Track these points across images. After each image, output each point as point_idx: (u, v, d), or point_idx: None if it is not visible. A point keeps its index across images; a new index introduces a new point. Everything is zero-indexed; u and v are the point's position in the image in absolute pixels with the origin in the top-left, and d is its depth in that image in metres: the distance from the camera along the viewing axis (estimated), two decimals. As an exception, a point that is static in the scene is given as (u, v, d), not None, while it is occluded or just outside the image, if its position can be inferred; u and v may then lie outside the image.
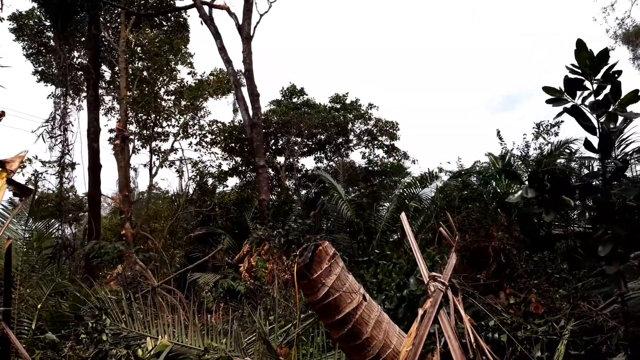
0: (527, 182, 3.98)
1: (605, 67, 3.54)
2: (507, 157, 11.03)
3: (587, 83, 3.65)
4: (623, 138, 7.86)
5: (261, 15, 18.71)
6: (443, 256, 7.81)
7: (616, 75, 3.53)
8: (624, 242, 3.59)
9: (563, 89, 3.67)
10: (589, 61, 3.51)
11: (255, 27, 17.76)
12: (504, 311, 6.66)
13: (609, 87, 3.58)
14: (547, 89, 3.69)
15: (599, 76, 3.57)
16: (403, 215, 4.78)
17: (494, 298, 7.64)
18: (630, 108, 3.60)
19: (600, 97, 3.61)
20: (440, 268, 6.14)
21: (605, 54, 3.52)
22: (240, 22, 17.32)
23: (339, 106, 23.17)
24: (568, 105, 3.67)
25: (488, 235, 8.98)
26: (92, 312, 6.50)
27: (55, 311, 6.63)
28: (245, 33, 17.16)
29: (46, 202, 15.20)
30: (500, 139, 11.87)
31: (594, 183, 3.84)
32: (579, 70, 3.59)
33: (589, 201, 3.82)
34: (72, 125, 14.83)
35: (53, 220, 13.41)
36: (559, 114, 3.77)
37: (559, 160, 10.77)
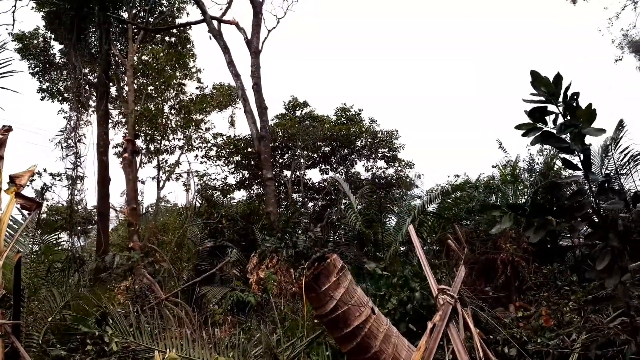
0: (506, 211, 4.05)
1: (563, 90, 3.66)
2: (513, 168, 11.01)
3: (552, 107, 3.75)
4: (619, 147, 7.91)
5: (269, 31, 19.00)
6: (452, 269, 7.77)
7: (574, 97, 3.65)
8: (622, 255, 3.59)
9: (530, 120, 3.77)
10: (546, 89, 3.64)
11: (263, 42, 17.99)
12: (514, 324, 6.60)
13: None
14: (519, 127, 3.80)
15: (560, 100, 3.68)
16: (411, 228, 4.79)
17: (503, 311, 7.58)
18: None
19: (568, 118, 3.70)
20: (449, 280, 6.11)
21: (559, 78, 3.67)
22: (249, 37, 17.53)
23: (344, 120, 23.26)
24: (538, 134, 3.77)
25: (496, 247, 8.95)
26: (99, 322, 6.52)
27: (64, 324, 6.64)
28: (254, 47, 17.35)
29: (56, 215, 15.32)
30: (504, 150, 11.85)
31: (582, 200, 3.85)
32: (542, 98, 3.70)
33: (580, 218, 3.84)
34: (85, 137, 15.02)
35: (63, 233, 13.53)
36: (533, 143, 3.85)
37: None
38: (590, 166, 3.85)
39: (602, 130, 3.68)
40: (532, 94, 3.77)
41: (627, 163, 8.06)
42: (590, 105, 3.69)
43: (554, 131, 3.75)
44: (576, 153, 3.76)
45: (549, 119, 3.79)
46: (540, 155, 11.97)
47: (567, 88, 3.67)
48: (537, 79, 3.71)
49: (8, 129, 5.69)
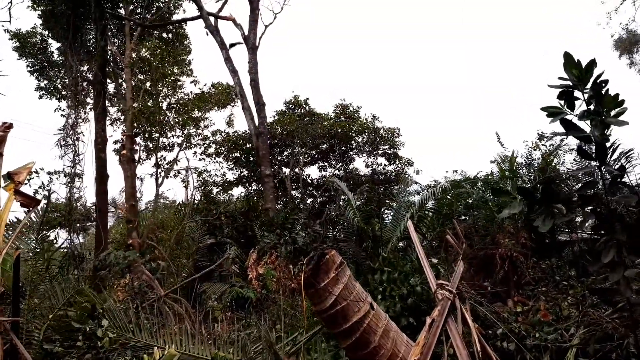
0: (517, 196, 3.99)
1: (593, 77, 3.59)
2: (511, 163, 11.02)
3: (578, 94, 3.69)
4: (610, 145, 7.87)
5: (266, 27, 18.98)
6: (450, 264, 7.78)
7: (603, 85, 3.58)
8: (627, 249, 3.59)
9: (560, 103, 3.71)
10: (577, 72, 3.57)
11: (260, 37, 17.96)
12: (512, 319, 6.62)
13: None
14: (545, 109, 3.74)
15: (588, 86, 3.62)
16: (410, 224, 4.79)
17: (501, 306, 7.60)
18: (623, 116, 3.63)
19: (592, 107, 3.65)
20: (448, 276, 6.12)
21: (592, 64, 3.58)
22: (246, 33, 17.49)
23: (343, 118, 23.22)
24: (560, 118, 3.70)
25: (495, 243, 8.96)
26: (92, 316, 6.53)
27: (65, 321, 6.64)
28: (251, 43, 17.31)
29: (54, 212, 15.29)
30: (502, 144, 11.90)
31: (592, 192, 3.83)
32: (570, 83, 3.64)
33: (588, 210, 3.81)
34: (83, 135, 14.99)
35: (62, 230, 13.50)
36: (552, 122, 3.78)
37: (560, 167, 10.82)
38: (605, 157, 3.81)
39: (625, 122, 3.60)
40: (562, 78, 3.70)
41: (617, 160, 8.05)
42: (617, 95, 3.61)
43: (576, 120, 3.69)
44: (593, 141, 3.69)
45: (577, 105, 3.72)
46: (537, 150, 11.99)
47: (599, 76, 3.59)
48: (569, 62, 3.62)
49: (8, 126, 5.67)
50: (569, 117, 3.72)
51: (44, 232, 7.52)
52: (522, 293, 8.17)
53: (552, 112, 3.72)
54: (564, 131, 3.76)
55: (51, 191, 12.97)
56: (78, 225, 16.38)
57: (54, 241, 7.73)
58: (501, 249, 8.62)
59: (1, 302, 5.38)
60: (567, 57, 3.62)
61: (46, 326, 6.24)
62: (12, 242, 5.89)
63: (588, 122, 3.63)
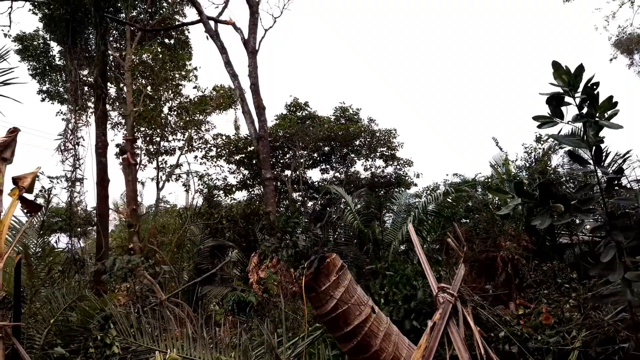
0: (515, 194, 3.98)
1: (584, 82, 3.60)
2: (506, 163, 11.04)
3: (569, 99, 3.70)
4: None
5: (266, 30, 19.06)
6: (452, 267, 7.78)
7: (594, 87, 3.58)
8: (627, 250, 3.58)
9: (549, 111, 3.72)
10: (566, 78, 3.57)
11: (260, 41, 18.02)
12: (514, 322, 6.61)
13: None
14: (536, 118, 3.75)
15: (579, 90, 3.62)
16: (410, 227, 4.79)
17: (503, 309, 7.59)
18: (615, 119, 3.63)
19: (584, 111, 3.65)
20: (449, 279, 6.12)
21: (580, 69, 3.58)
22: (246, 36, 17.54)
23: (343, 120, 23.27)
24: (556, 129, 3.71)
25: (496, 245, 8.95)
26: (101, 325, 6.51)
27: (65, 325, 6.64)
28: (251, 47, 17.37)
29: (56, 217, 15.31)
30: (500, 148, 11.92)
31: (589, 194, 3.82)
32: (560, 90, 3.65)
33: (587, 212, 3.80)
34: (83, 140, 15.01)
35: (63, 235, 13.51)
36: (541, 127, 3.79)
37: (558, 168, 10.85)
38: (601, 160, 3.81)
39: (619, 126, 3.58)
40: (552, 84, 3.70)
41: (614, 162, 8.04)
42: (611, 97, 3.59)
43: (568, 126, 3.69)
44: (588, 145, 3.69)
45: (566, 111, 3.73)
46: (534, 151, 12.00)
47: (589, 81, 3.59)
48: (557, 70, 3.62)
49: (14, 131, 5.64)
50: (559, 125, 3.74)
51: (46, 236, 7.54)
52: (523, 296, 8.16)
53: (543, 122, 3.75)
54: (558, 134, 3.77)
55: (51, 195, 12.90)
56: (79, 229, 16.39)
57: (55, 245, 7.72)
58: (502, 251, 8.61)
59: (3, 306, 5.37)
60: (555, 65, 3.64)
61: (47, 331, 6.23)
62: (13, 247, 5.89)
63: (580, 125, 3.64)
